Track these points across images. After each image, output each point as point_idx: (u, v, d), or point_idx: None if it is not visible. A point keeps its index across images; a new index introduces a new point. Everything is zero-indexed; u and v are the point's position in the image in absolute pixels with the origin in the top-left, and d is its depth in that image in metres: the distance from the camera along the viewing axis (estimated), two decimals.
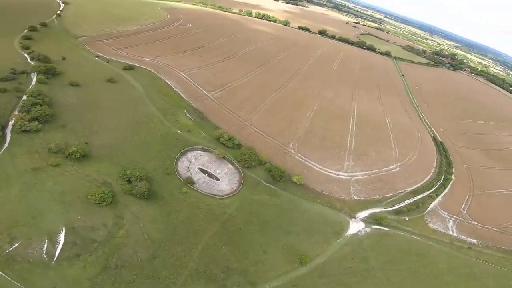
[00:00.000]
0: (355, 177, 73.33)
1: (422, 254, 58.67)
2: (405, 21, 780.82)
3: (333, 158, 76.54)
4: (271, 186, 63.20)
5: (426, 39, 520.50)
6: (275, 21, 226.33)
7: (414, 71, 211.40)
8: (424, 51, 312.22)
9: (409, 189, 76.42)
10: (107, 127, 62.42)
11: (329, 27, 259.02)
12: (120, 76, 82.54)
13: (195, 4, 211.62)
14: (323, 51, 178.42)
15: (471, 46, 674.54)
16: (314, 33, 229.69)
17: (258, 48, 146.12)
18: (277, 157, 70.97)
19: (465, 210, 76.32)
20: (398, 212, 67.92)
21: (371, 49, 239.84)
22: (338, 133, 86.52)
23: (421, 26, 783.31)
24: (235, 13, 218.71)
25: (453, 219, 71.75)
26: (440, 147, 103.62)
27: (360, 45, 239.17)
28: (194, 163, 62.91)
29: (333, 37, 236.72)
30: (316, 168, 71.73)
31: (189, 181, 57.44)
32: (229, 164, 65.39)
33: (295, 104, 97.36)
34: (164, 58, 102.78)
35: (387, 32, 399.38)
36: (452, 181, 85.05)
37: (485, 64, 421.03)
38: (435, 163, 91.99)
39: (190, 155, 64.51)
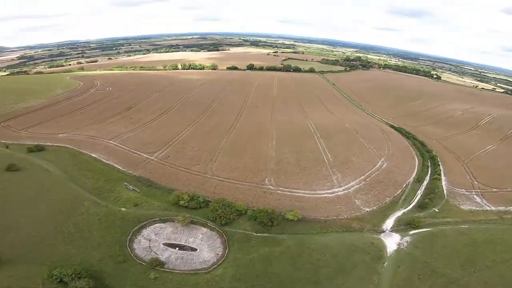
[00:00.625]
0: (352, 188, 64.40)
1: (490, 241, 50.93)
2: (312, 41, 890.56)
3: (319, 178, 66.87)
4: (265, 235, 50.10)
5: (332, 51, 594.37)
6: (203, 68, 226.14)
7: (339, 78, 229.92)
8: (337, 61, 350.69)
9: (411, 179, 71.01)
10: (19, 224, 45.48)
11: (255, 62, 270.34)
12: (26, 161, 62.73)
13: (112, 70, 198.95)
14: (258, 82, 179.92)
15: (366, 49, 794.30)
16: (244, 70, 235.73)
17: (195, 95, 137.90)
18: (257, 200, 58.29)
19: (475, 180, 73.60)
20: (422, 206, 60.46)
21: (297, 70, 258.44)
22: (309, 150, 78.25)
23: (324, 42, 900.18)
24: (160, 69, 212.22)
25: (474, 193, 67.57)
26: (402, 131, 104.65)
27: (287, 69, 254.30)
28: (156, 240, 48.39)
29: (261, 68, 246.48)
30: (306, 195, 60.60)
31: (156, 263, 42.90)
32: (202, 228, 51.54)
33: (253, 138, 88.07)
34: (84, 129, 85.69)
35: (303, 53, 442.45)
36: (438, 157, 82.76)
37: (384, 59, 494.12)
38: (410, 147, 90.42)
39: (147, 231, 49.52)
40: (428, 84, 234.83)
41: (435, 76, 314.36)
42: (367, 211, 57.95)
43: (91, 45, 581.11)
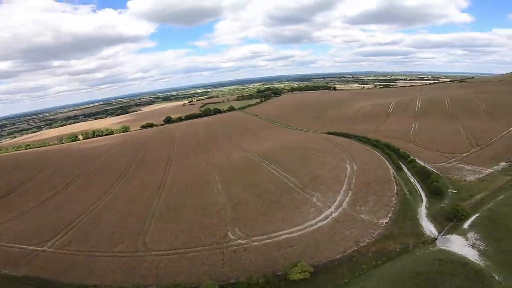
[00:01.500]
0: (345, 202, 53.56)
1: None
2: (222, 84, 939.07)
3: (297, 206, 54.39)
4: None
5: (243, 88, 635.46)
6: (111, 132, 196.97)
7: (259, 109, 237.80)
8: (251, 95, 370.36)
9: (391, 170, 66.02)
10: None
11: (172, 114, 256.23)
12: None
13: None
14: (181, 133, 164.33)
15: (270, 80, 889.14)
16: (162, 124, 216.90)
17: (104, 161, 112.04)
18: (230, 267, 41.38)
19: (439, 152, 74.80)
20: (435, 192, 54.15)
21: (218, 112, 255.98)
22: (266, 181, 64.65)
23: (232, 83, 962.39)
24: (54, 144, 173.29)
25: (454, 162, 67.73)
26: (340, 134, 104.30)
27: (207, 113, 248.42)
28: None
29: (180, 119, 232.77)
30: (294, 234, 46.09)
31: None
32: None
33: (193, 188, 70.89)
34: None
35: (217, 97, 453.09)
36: (390, 143, 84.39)
37: (287, 85, 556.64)
38: (361, 144, 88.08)
39: None
40: (331, 94, 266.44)
41: (332, 88, 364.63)
42: (386, 222, 46.28)
43: None
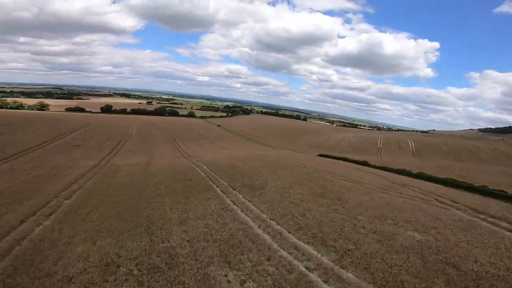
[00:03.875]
0: None
1: None
2: (192, 97, 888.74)
3: None
4: None
5: (211, 104, 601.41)
6: (21, 106, 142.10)
7: (224, 121, 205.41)
8: (218, 107, 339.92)
9: None
10: None
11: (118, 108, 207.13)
12: None
13: None
14: (112, 122, 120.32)
15: (241, 103, 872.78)
16: (97, 112, 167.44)
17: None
18: None
19: None
20: None
21: (175, 114, 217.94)
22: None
23: (203, 97, 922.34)
24: None
25: None
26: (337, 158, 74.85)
27: (161, 112, 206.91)
28: None
29: (125, 111, 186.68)
30: None
31: None
32: None
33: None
34: None
35: (182, 104, 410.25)
36: None
37: (259, 109, 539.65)
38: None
39: None
40: (303, 123, 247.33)
41: (302, 118, 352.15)
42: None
43: None
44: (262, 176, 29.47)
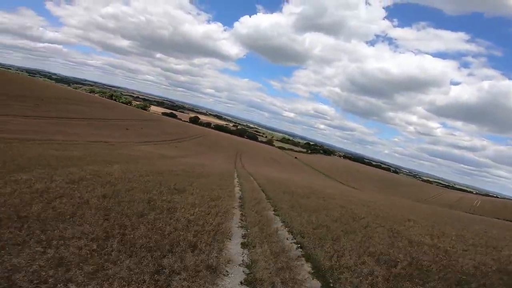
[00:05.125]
0: None
1: None
2: (276, 131, 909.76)
3: None
4: None
5: (287, 139, 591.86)
6: (130, 103, 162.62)
7: (305, 157, 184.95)
8: (298, 142, 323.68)
9: None
10: None
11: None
12: None
13: None
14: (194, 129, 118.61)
15: (319, 145, 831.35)
16: (185, 121, 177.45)
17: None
18: None
19: None
20: None
21: (253, 138, 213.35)
22: None
23: (287, 133, 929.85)
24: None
25: None
26: None
27: (242, 133, 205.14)
28: None
29: (209, 125, 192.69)
30: None
31: None
32: None
33: None
34: None
35: (263, 134, 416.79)
36: None
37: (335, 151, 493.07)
38: None
39: None
40: (394, 175, 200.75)
41: (393, 170, 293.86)
42: None
43: None
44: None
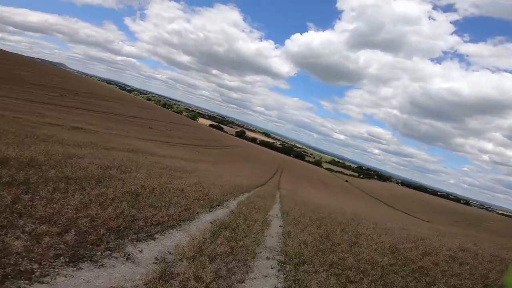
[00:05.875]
0: None
1: None
2: (324, 153, 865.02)
3: None
4: None
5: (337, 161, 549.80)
6: (180, 112, 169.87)
7: (355, 181, 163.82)
8: (349, 166, 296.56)
9: None
10: None
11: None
12: None
13: None
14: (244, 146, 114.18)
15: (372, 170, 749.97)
16: (233, 134, 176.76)
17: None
18: None
19: None
20: None
21: (300, 156, 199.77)
22: None
23: (329, 154, 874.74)
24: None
25: None
26: None
27: (287, 151, 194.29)
28: None
29: (254, 140, 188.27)
30: None
31: None
32: None
33: None
34: None
35: (311, 154, 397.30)
36: None
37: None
38: None
39: None
40: (467, 207, 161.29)
41: (464, 202, 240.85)
42: None
43: None
44: None
